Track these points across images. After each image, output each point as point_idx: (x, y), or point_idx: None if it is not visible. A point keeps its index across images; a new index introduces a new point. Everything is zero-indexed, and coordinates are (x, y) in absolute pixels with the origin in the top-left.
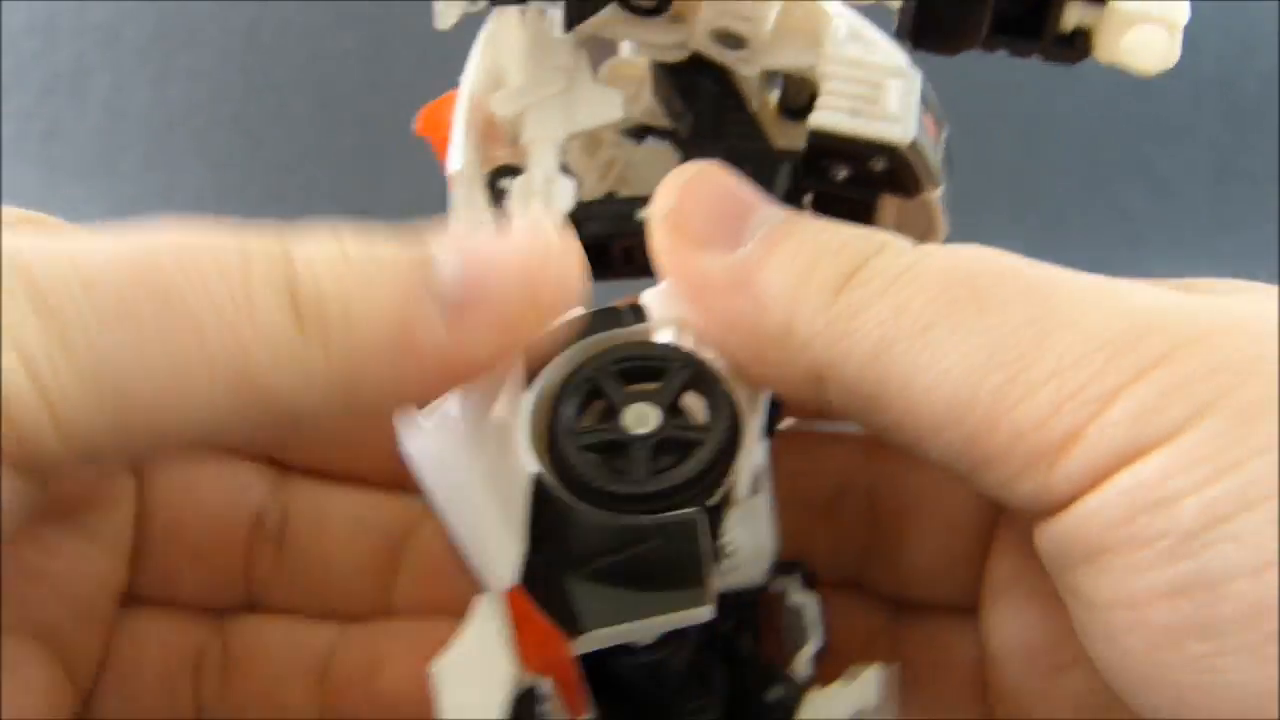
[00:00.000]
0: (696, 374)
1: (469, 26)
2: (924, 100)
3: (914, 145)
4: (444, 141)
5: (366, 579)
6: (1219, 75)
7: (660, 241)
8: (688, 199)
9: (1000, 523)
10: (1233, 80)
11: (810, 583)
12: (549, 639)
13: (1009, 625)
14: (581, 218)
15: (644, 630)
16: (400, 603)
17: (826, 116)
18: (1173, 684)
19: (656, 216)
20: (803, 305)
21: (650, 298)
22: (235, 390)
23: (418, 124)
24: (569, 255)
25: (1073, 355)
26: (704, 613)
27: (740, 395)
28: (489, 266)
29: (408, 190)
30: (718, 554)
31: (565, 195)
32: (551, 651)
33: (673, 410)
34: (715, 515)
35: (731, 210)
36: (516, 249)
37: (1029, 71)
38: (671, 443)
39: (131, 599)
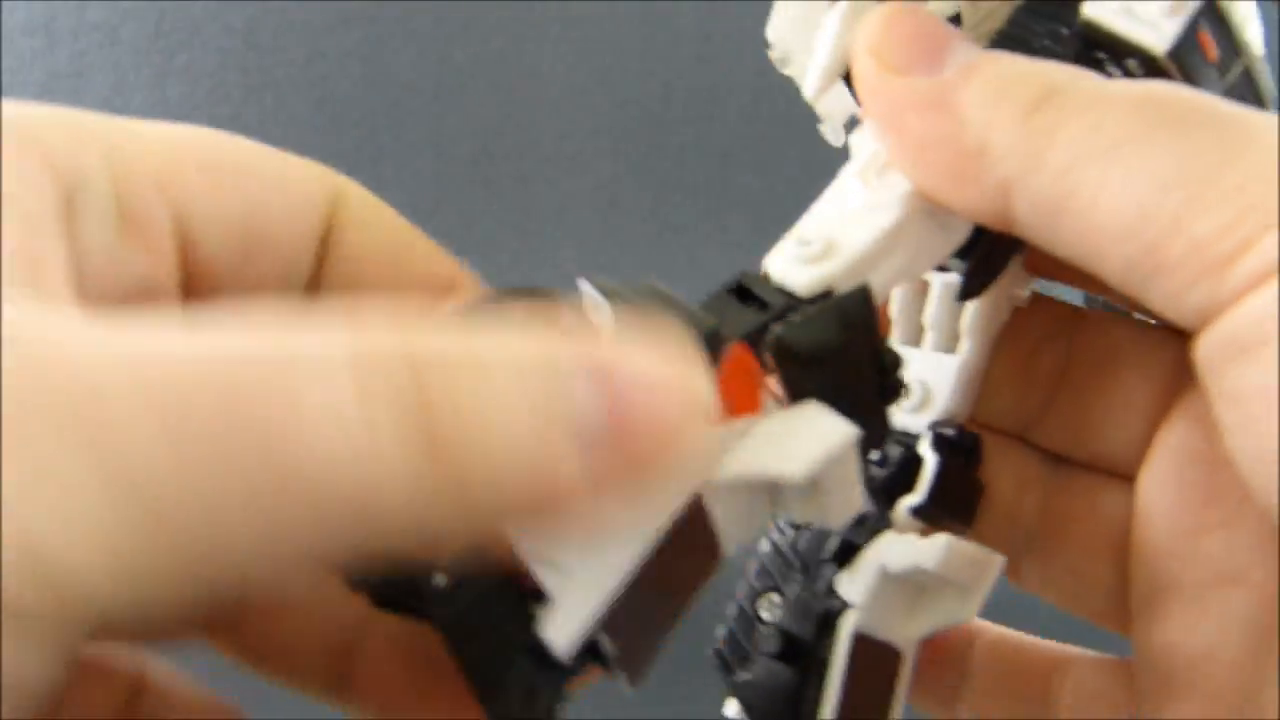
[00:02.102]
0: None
1: (468, 35)
2: (1209, 19)
3: (1172, 55)
4: None
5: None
6: None
7: (863, 69)
8: (890, 32)
9: (1181, 396)
10: None
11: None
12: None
13: (1164, 485)
14: None
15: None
16: None
17: (1096, 6)
18: None
19: (859, 49)
20: (999, 122)
21: (856, 140)
22: (346, 534)
23: None
24: (706, 393)
25: (1256, 174)
26: None
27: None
28: (629, 400)
29: (407, 190)
30: None
31: None
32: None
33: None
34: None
35: (931, 42)
36: (659, 383)
37: None
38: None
39: None
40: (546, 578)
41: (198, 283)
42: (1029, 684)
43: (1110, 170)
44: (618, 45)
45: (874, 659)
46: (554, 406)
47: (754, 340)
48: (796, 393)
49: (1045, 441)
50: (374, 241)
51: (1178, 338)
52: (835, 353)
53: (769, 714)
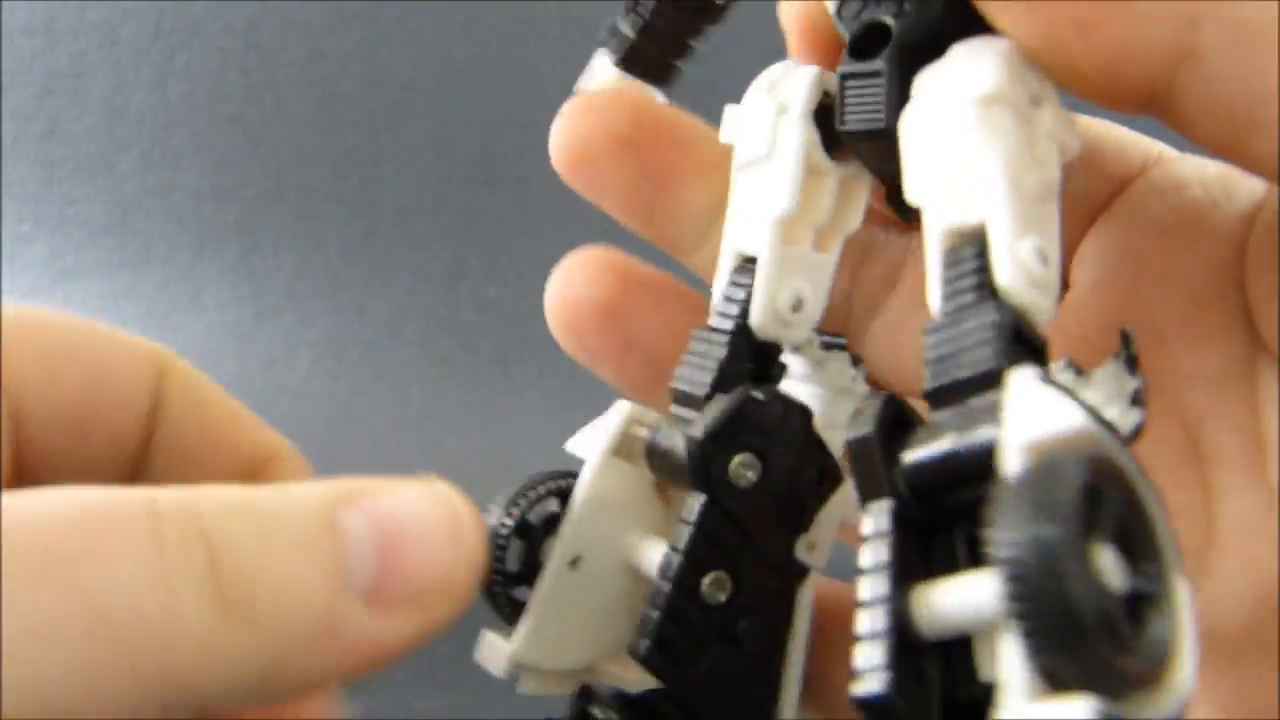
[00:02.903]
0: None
1: (468, 35)
2: None
3: None
4: None
5: None
6: None
7: None
8: None
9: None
10: None
11: None
12: None
13: None
14: None
15: None
16: None
17: None
18: None
19: None
20: None
21: (957, 60)
22: (154, 690)
23: None
24: (475, 524)
25: None
26: None
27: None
28: (399, 537)
29: (408, 190)
30: None
31: None
32: None
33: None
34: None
35: None
36: (424, 517)
37: None
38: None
39: None
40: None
41: (28, 462)
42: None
43: None
44: None
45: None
46: (327, 551)
47: None
48: None
49: (868, 360)
50: (196, 417)
51: None
52: None
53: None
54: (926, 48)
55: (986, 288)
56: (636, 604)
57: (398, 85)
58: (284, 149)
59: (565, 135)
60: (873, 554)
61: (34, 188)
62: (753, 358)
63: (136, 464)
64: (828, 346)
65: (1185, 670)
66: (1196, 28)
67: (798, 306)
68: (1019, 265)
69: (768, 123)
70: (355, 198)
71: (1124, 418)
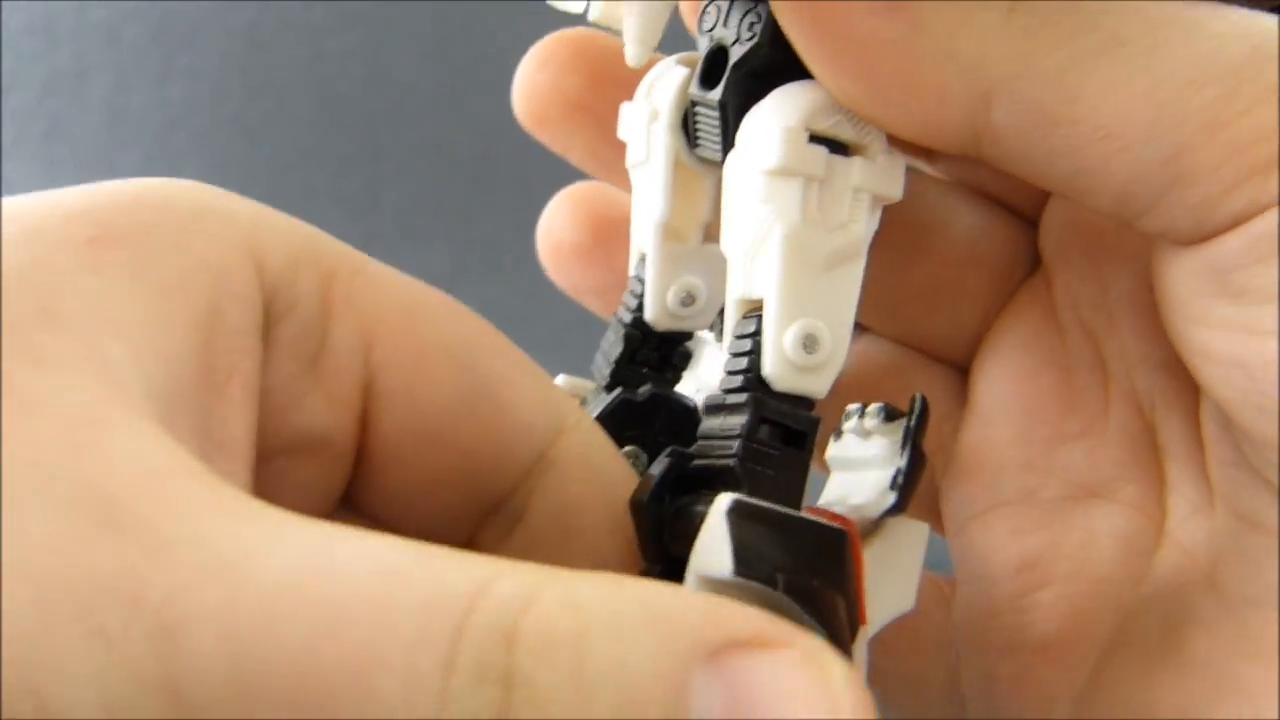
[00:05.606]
0: None
1: (468, 35)
2: None
3: None
4: None
5: None
6: None
7: None
8: None
9: (1025, 289)
10: None
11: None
12: None
13: (1011, 387)
14: None
15: None
16: None
17: None
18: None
19: None
20: (972, 22)
21: (758, 117)
22: None
23: None
24: (855, 703)
25: None
26: None
27: None
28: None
29: (408, 191)
30: None
31: None
32: None
33: None
34: None
35: None
36: (790, 697)
37: None
38: None
39: None
40: None
41: (365, 462)
42: None
43: (1119, 69)
44: None
45: None
46: (670, 692)
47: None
48: None
49: (886, 329)
50: (584, 498)
51: (1013, 219)
52: None
53: None
54: (764, 78)
55: (753, 374)
56: None
57: (398, 85)
58: (284, 149)
59: (522, 93)
60: None
61: (35, 188)
62: (656, 347)
63: (483, 518)
64: None
65: None
66: (988, 110)
67: (688, 301)
68: (782, 357)
69: (642, 128)
70: (355, 198)
71: (881, 498)
